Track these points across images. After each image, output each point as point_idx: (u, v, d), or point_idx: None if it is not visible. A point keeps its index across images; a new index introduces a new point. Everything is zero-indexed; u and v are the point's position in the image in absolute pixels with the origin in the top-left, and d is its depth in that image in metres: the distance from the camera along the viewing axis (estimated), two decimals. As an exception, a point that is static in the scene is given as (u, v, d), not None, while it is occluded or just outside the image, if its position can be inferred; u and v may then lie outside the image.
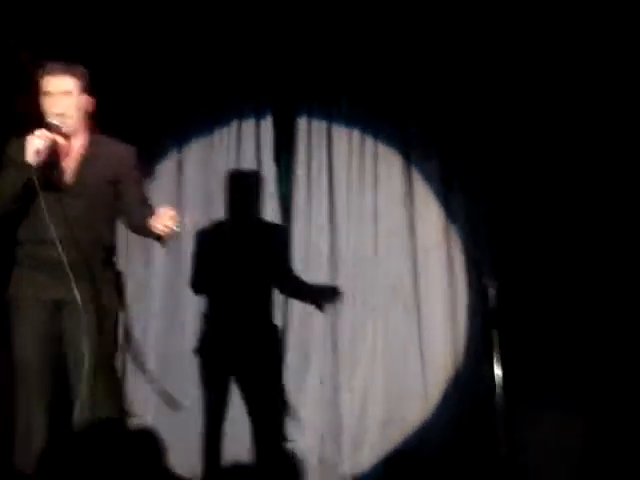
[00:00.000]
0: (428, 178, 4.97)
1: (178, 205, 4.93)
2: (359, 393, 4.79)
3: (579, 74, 4.70)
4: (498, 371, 4.56)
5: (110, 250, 3.46)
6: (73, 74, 3.36)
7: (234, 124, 5.05)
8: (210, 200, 4.98)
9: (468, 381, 4.75)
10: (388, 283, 4.89)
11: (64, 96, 3.33)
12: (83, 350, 3.20)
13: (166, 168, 5.03)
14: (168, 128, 5.02)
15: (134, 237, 3.78)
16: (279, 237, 4.79)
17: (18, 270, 3.38)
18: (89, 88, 3.43)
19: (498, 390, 4.52)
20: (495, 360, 4.56)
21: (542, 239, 4.70)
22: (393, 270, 4.90)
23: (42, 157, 3.18)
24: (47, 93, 3.34)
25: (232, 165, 4.98)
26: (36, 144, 3.16)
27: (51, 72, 3.35)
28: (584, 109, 4.71)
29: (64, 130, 3.31)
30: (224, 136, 5.06)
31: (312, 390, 4.78)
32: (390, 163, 4.99)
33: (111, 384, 3.35)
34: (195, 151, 5.07)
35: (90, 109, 3.46)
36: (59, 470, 3.34)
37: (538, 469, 4.40)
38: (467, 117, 4.94)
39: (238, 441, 4.53)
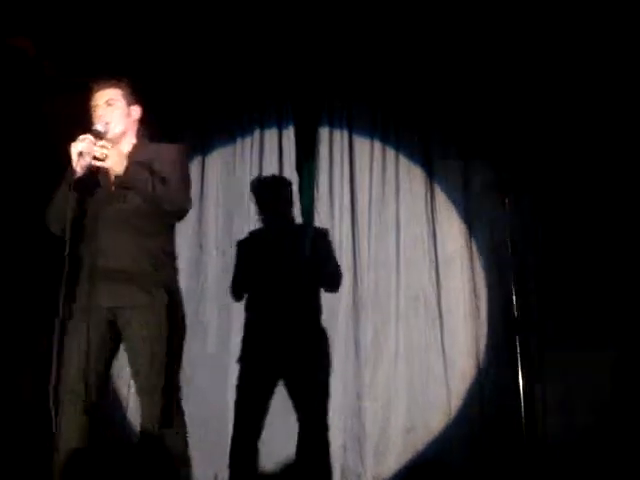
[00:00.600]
0: (449, 188, 4.99)
1: (200, 214, 4.98)
2: (381, 401, 4.79)
3: (606, 85, 4.71)
4: (521, 378, 4.58)
5: (162, 254, 3.43)
6: (117, 85, 3.51)
7: (256, 133, 5.09)
8: (232, 209, 5.02)
9: (491, 388, 4.74)
10: (410, 293, 4.90)
11: (108, 106, 3.46)
12: (143, 356, 3.25)
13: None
14: (191, 136, 5.05)
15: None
16: (311, 242, 4.85)
17: (73, 279, 3.34)
18: (135, 97, 3.56)
19: (521, 397, 4.55)
20: (518, 367, 4.59)
21: (565, 246, 4.71)
22: (415, 280, 4.91)
23: (86, 161, 3.20)
24: (94, 106, 3.47)
25: (255, 172, 5.03)
26: (79, 147, 3.19)
27: (95, 88, 3.50)
28: (602, 111, 4.73)
29: (108, 136, 3.37)
30: (246, 145, 5.09)
31: (334, 397, 4.76)
32: (411, 173, 5.03)
33: (169, 389, 3.32)
34: (217, 160, 5.11)
35: (137, 117, 3.57)
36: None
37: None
38: (488, 127, 4.97)
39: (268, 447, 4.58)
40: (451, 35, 4.87)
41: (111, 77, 3.53)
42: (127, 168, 3.25)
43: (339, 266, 4.86)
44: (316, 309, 4.77)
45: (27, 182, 4.61)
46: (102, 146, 3.25)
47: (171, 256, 3.50)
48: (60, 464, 3.23)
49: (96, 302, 3.27)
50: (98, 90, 3.49)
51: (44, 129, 4.73)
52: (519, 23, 4.74)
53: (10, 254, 4.71)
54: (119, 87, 3.51)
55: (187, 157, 3.68)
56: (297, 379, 4.66)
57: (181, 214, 3.49)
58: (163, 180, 3.35)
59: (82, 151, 3.18)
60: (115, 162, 3.25)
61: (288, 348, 4.66)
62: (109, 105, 3.46)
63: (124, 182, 3.28)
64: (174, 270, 3.51)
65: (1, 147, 4.73)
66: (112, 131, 3.41)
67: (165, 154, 3.49)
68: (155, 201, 3.31)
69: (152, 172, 3.34)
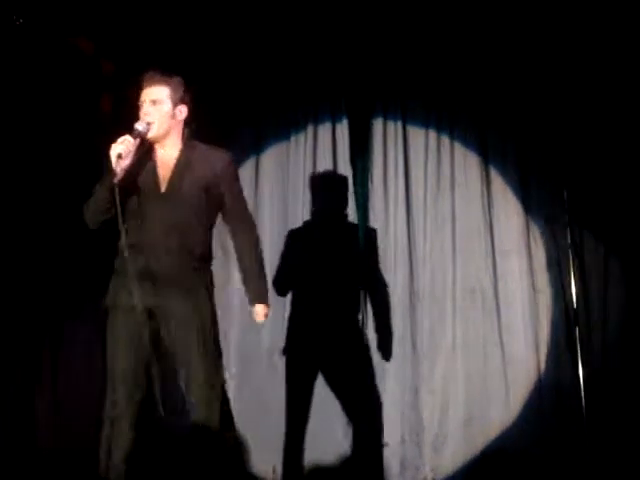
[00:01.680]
0: (506, 178, 4.92)
1: (255, 209, 5.01)
2: (439, 394, 4.78)
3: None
4: (581, 370, 4.53)
5: (203, 257, 3.48)
6: (167, 83, 3.44)
7: (310, 128, 5.09)
8: (286, 203, 5.05)
9: (550, 382, 4.69)
10: (466, 286, 4.86)
11: (153, 105, 3.40)
12: (186, 354, 3.32)
13: (243, 171, 5.04)
14: (245, 133, 5.08)
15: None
16: (365, 237, 4.86)
17: (115, 279, 3.45)
18: (185, 97, 3.49)
19: (582, 391, 4.50)
20: (578, 361, 4.54)
21: (629, 238, 4.62)
22: (471, 273, 4.88)
23: (126, 163, 3.24)
24: (140, 102, 3.43)
25: (309, 168, 5.03)
26: (118, 150, 3.20)
27: (145, 82, 3.44)
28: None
29: (150, 136, 3.37)
30: (300, 140, 5.09)
31: (391, 391, 4.77)
32: (467, 163, 4.97)
33: (215, 385, 3.38)
34: (272, 155, 5.12)
35: (183, 118, 3.50)
36: (142, 473, 3.44)
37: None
38: (545, 114, 4.88)
39: (321, 441, 4.60)
40: (505, 21, 4.81)
41: (161, 73, 3.46)
42: (174, 171, 3.38)
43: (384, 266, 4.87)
44: (367, 302, 4.80)
45: (83, 180, 4.70)
46: (142, 146, 3.31)
47: (209, 258, 3.54)
48: (108, 457, 3.32)
49: (131, 300, 3.30)
50: (145, 87, 3.43)
51: (101, 127, 4.81)
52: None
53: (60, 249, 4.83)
54: (167, 85, 3.43)
55: (235, 166, 3.67)
56: (347, 372, 4.67)
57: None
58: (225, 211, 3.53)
59: (120, 153, 3.19)
60: (163, 165, 3.35)
61: (337, 342, 4.67)
62: (154, 104, 3.40)
63: (175, 195, 3.39)
64: (211, 273, 3.54)
65: (59, 145, 4.85)
66: (153, 132, 3.39)
67: (215, 166, 3.47)
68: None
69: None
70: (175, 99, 3.45)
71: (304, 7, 4.85)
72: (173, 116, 3.46)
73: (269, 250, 4.93)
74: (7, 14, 4.65)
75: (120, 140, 3.24)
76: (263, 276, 3.65)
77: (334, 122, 5.06)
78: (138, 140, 3.30)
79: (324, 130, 5.08)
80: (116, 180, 3.21)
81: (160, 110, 3.41)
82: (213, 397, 3.34)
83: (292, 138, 5.10)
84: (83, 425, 4.56)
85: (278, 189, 5.09)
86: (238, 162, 4.88)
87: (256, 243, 3.65)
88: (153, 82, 3.43)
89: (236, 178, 3.60)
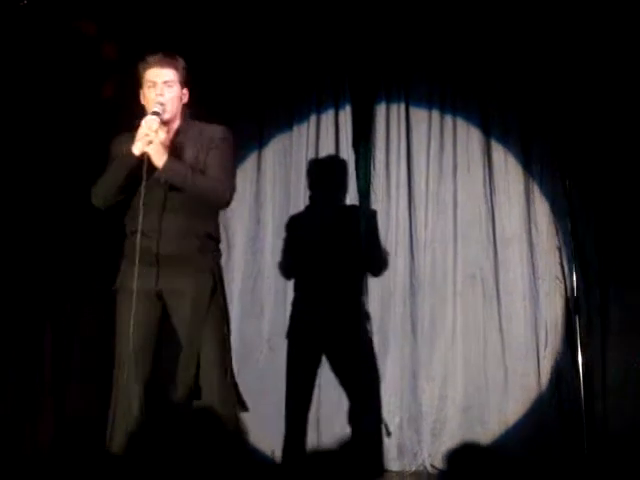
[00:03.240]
0: (509, 165, 4.90)
1: (257, 192, 5.02)
2: (438, 380, 4.78)
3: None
4: (580, 358, 4.54)
5: (209, 237, 3.47)
6: (174, 66, 3.43)
7: (313, 113, 5.07)
8: (289, 188, 5.05)
9: (549, 369, 4.69)
10: (467, 272, 4.86)
11: (166, 86, 3.40)
12: (192, 339, 3.33)
13: (246, 161, 5.07)
14: (247, 122, 5.05)
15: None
16: (366, 221, 4.87)
17: (124, 262, 3.47)
18: (187, 80, 3.49)
19: (580, 379, 4.51)
20: (578, 349, 4.55)
21: (629, 227, 4.61)
22: (472, 259, 4.86)
23: (146, 141, 3.25)
24: (150, 83, 3.40)
25: (311, 153, 5.03)
26: (153, 125, 3.25)
27: (154, 63, 3.41)
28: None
29: (163, 119, 3.36)
30: (303, 124, 5.07)
31: (391, 376, 4.79)
32: (470, 149, 4.94)
33: (222, 368, 3.39)
34: (274, 140, 5.10)
35: (186, 101, 3.50)
36: (149, 451, 3.46)
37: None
38: (550, 101, 4.85)
39: (320, 426, 4.66)
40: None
41: (168, 55, 3.43)
42: (164, 164, 3.27)
43: (386, 250, 4.87)
44: (368, 288, 4.83)
45: (86, 165, 4.71)
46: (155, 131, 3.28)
47: (216, 240, 3.53)
48: (117, 437, 3.35)
49: (144, 284, 3.33)
50: (154, 67, 3.40)
51: (103, 111, 4.81)
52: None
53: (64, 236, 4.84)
54: (175, 67, 3.42)
55: (232, 139, 3.55)
56: (347, 357, 4.69)
57: (222, 204, 3.50)
58: (202, 172, 3.38)
59: (148, 132, 3.23)
60: (156, 152, 3.27)
61: (337, 327, 4.69)
62: (167, 85, 3.39)
63: (162, 178, 3.31)
64: (219, 254, 3.55)
65: (61, 129, 4.85)
66: (166, 114, 3.38)
67: (208, 137, 3.45)
68: (196, 194, 3.34)
69: (191, 165, 3.36)
70: (181, 82, 3.46)
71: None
72: (180, 99, 3.46)
73: (272, 236, 4.99)
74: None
75: (149, 119, 3.26)
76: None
77: (337, 106, 5.04)
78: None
79: (327, 115, 5.06)
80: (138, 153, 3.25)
81: (172, 92, 3.41)
82: (223, 378, 3.36)
83: (295, 126, 5.08)
84: (86, 411, 4.61)
85: (280, 170, 5.08)
86: (241, 153, 4.95)
87: (208, 185, 3.40)
88: (163, 63, 3.41)
89: (228, 145, 3.50)
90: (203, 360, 3.34)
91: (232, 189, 3.47)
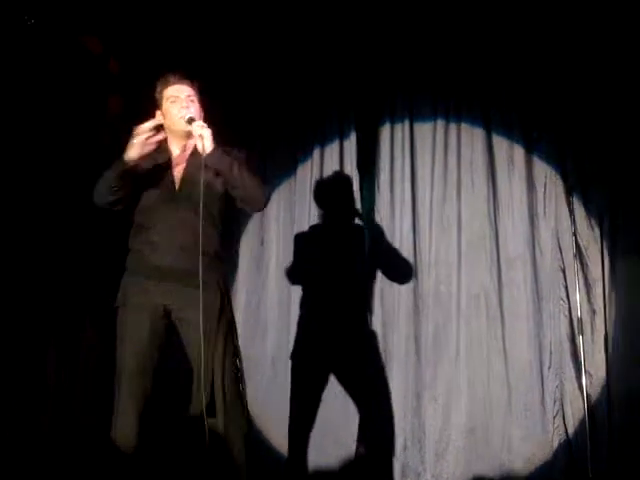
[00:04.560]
0: (513, 185, 4.91)
1: (261, 215, 5.04)
2: (442, 401, 4.77)
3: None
4: (584, 379, 4.52)
5: (216, 255, 3.47)
6: (193, 85, 3.51)
7: (318, 133, 5.13)
8: (293, 206, 5.09)
9: (554, 389, 4.68)
10: (471, 292, 4.85)
11: (189, 100, 3.46)
12: (200, 353, 3.29)
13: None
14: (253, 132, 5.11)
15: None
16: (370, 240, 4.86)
17: (127, 277, 3.46)
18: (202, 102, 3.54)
19: (584, 399, 4.49)
20: (582, 368, 4.53)
21: (629, 246, 4.62)
22: (476, 279, 4.87)
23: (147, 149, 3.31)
24: (173, 98, 3.46)
25: (316, 172, 5.05)
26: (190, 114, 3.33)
27: (175, 80, 3.48)
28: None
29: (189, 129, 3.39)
30: (308, 153, 5.14)
31: (394, 397, 4.77)
32: (474, 169, 4.96)
33: (233, 383, 3.39)
34: (280, 166, 5.18)
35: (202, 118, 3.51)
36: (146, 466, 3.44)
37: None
38: (555, 119, 4.86)
39: (324, 445, 4.64)
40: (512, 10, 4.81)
41: (186, 75, 3.51)
42: (212, 152, 3.29)
43: (405, 259, 4.87)
44: (372, 307, 4.83)
45: (88, 177, 4.72)
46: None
47: (222, 257, 3.54)
48: (118, 450, 3.33)
49: (150, 299, 3.34)
50: (175, 84, 3.48)
51: (107, 125, 4.83)
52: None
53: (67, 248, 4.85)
54: (193, 86, 3.50)
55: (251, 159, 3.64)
56: (352, 376, 4.67)
57: (259, 204, 3.50)
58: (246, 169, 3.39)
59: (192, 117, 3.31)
60: (208, 136, 3.31)
61: (341, 346, 4.68)
62: (190, 99, 3.45)
63: (210, 160, 3.30)
64: (224, 271, 3.56)
65: (68, 144, 4.87)
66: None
67: (233, 154, 3.46)
68: (240, 186, 3.35)
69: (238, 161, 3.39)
70: (198, 100, 3.51)
71: (306, 19, 4.87)
72: (200, 115, 3.48)
73: (276, 257, 5.01)
74: (19, 14, 4.67)
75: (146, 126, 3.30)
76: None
77: (342, 126, 5.09)
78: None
79: (332, 133, 5.11)
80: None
81: (195, 106, 3.46)
82: (234, 397, 3.35)
83: (300, 150, 5.15)
84: (88, 425, 4.60)
85: (285, 195, 5.14)
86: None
87: (253, 180, 3.42)
88: (183, 81, 3.49)
89: (251, 161, 3.56)
90: (216, 377, 3.32)
91: (269, 193, 3.56)
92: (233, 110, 5.05)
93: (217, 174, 3.37)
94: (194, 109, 3.44)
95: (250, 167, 3.46)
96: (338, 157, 5.07)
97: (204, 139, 3.29)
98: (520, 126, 4.92)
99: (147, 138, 3.29)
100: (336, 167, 5.06)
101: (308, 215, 4.99)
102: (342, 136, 5.09)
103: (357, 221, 4.95)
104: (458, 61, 4.98)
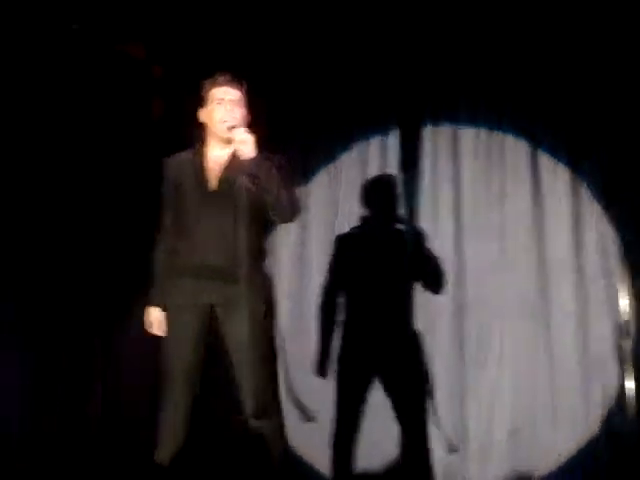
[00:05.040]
0: (558, 187, 4.85)
1: (303, 215, 5.02)
2: (485, 404, 4.75)
3: None
4: (630, 383, 4.47)
5: (258, 253, 3.49)
6: (240, 87, 3.49)
7: (361, 138, 5.11)
8: (335, 211, 5.10)
9: (599, 393, 4.63)
10: (516, 295, 4.81)
11: (234, 104, 3.45)
12: (244, 353, 3.33)
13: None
14: (295, 133, 5.13)
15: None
16: (413, 241, 4.83)
17: (174, 277, 3.48)
18: (248, 102, 3.53)
19: (631, 402, 4.44)
20: (628, 372, 4.48)
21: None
22: (520, 282, 4.82)
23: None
24: (218, 100, 3.46)
25: (359, 174, 5.04)
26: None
27: (223, 82, 3.47)
28: None
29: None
30: (351, 151, 5.13)
31: (437, 399, 4.76)
32: (518, 171, 4.91)
33: (271, 383, 3.41)
34: (322, 167, 5.17)
35: (247, 123, 3.50)
36: (195, 464, 3.46)
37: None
38: (599, 120, 4.79)
39: (370, 448, 4.62)
40: (555, 18, 4.76)
41: (234, 76, 3.50)
42: (254, 158, 3.29)
43: (442, 267, 4.82)
44: (416, 311, 4.79)
45: (135, 182, 4.78)
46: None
47: (265, 256, 3.56)
48: (163, 451, 3.38)
49: (192, 299, 3.37)
50: (221, 86, 3.47)
51: (152, 130, 4.88)
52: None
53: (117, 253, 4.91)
54: (240, 88, 3.49)
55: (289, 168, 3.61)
56: (395, 379, 4.65)
57: (290, 215, 3.47)
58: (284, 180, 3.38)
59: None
60: (251, 142, 3.32)
61: (385, 348, 4.66)
62: (234, 103, 3.45)
63: (250, 165, 3.30)
64: (267, 269, 3.57)
65: (111, 148, 4.93)
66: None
67: (273, 160, 3.46)
68: (275, 195, 3.33)
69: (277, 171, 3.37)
70: (245, 103, 3.51)
71: (350, 19, 4.86)
72: (244, 119, 3.48)
73: (316, 257, 5.03)
74: (63, 20, 4.73)
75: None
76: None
77: (385, 128, 5.07)
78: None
79: (374, 140, 5.09)
80: None
81: (240, 111, 3.47)
82: (275, 397, 3.38)
83: (343, 151, 5.14)
84: (135, 423, 4.65)
85: (326, 197, 5.14)
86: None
87: (292, 193, 3.43)
88: (232, 83, 3.48)
89: (287, 170, 3.53)
90: (256, 376, 3.33)
91: (301, 207, 3.53)
92: (275, 102, 5.03)
93: (255, 180, 3.35)
94: (239, 114, 3.44)
95: (288, 177, 3.46)
96: (379, 154, 5.06)
97: (246, 144, 3.29)
98: (566, 146, 4.87)
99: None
100: (378, 165, 5.04)
101: (349, 215, 4.98)
102: (384, 132, 5.07)
103: (399, 222, 4.93)
104: (506, 73, 4.94)
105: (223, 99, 3.45)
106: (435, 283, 4.78)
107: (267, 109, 4.87)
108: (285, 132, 5.04)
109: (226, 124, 3.38)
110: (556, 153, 4.87)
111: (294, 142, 5.10)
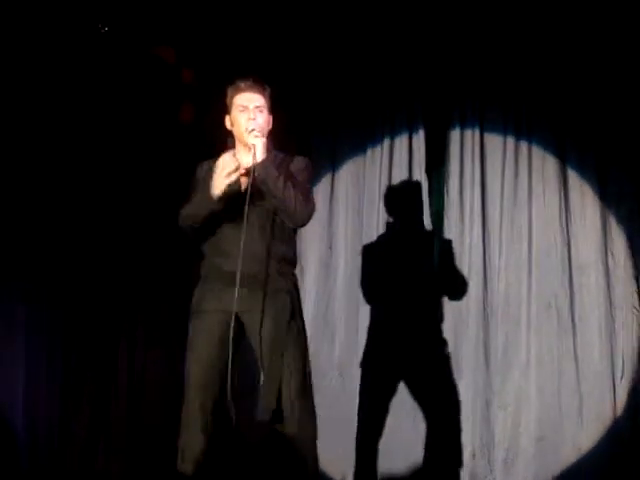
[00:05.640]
0: (586, 191, 4.81)
1: (330, 215, 5.05)
2: (511, 409, 4.73)
3: None
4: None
5: (289, 261, 3.50)
6: (264, 92, 3.47)
7: (387, 137, 5.07)
8: (362, 214, 5.06)
9: (626, 400, 4.60)
10: (542, 300, 4.79)
11: (257, 111, 3.43)
12: (272, 361, 3.34)
13: (319, 185, 5.09)
14: (322, 145, 5.11)
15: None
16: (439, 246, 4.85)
17: (201, 284, 3.50)
18: (272, 107, 3.52)
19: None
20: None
21: None
22: (547, 287, 4.79)
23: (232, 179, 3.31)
24: (242, 107, 3.43)
25: (385, 178, 5.02)
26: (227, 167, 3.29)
27: (246, 88, 3.45)
28: None
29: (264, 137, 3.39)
30: (377, 149, 5.08)
31: (463, 404, 4.74)
32: (545, 175, 4.87)
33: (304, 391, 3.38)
34: (348, 168, 5.12)
35: (270, 127, 3.51)
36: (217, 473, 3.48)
37: None
38: (629, 122, 4.75)
39: (395, 453, 4.62)
40: (582, 25, 4.74)
41: (258, 81, 3.47)
42: (262, 162, 3.28)
43: (464, 276, 4.83)
44: (442, 314, 4.81)
45: (163, 186, 4.83)
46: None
47: (293, 262, 3.56)
48: (186, 459, 3.37)
49: (222, 305, 3.37)
50: (246, 92, 3.44)
51: (181, 135, 4.91)
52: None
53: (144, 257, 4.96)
54: (264, 93, 3.46)
55: (312, 170, 3.62)
56: (421, 384, 4.66)
57: (299, 221, 3.46)
58: (293, 184, 3.37)
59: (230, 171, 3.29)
60: (262, 146, 3.31)
61: (411, 353, 4.67)
62: (258, 110, 3.42)
63: (258, 169, 3.29)
64: (295, 278, 3.57)
65: (139, 151, 4.97)
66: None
67: (288, 166, 3.47)
68: (281, 200, 3.32)
69: (285, 175, 3.36)
70: (269, 108, 3.49)
71: (381, 17, 4.86)
72: (268, 124, 3.49)
73: (344, 262, 5.01)
74: (93, 22, 4.78)
75: (227, 158, 3.31)
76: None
77: (411, 131, 5.03)
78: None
79: (400, 141, 5.05)
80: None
81: (263, 117, 3.45)
82: (304, 403, 3.35)
83: (368, 150, 5.08)
84: (158, 427, 4.69)
85: (353, 194, 5.10)
86: (314, 175, 4.98)
87: (297, 197, 3.38)
88: (254, 89, 3.45)
89: (308, 174, 3.56)
90: (284, 383, 3.33)
91: (312, 210, 3.48)
92: (303, 96, 5.07)
93: (261, 183, 3.34)
94: (262, 120, 3.43)
95: (304, 180, 3.49)
96: (407, 153, 5.02)
97: (255, 148, 3.29)
98: (593, 155, 4.83)
99: (229, 173, 3.30)
100: (405, 164, 5.01)
101: (377, 219, 4.98)
102: (411, 131, 5.03)
103: (426, 226, 4.93)
104: (530, 76, 4.91)
105: (247, 106, 3.43)
106: (460, 290, 4.78)
107: (298, 95, 4.96)
108: (315, 119, 5.09)
109: (247, 129, 3.37)
110: (583, 164, 4.84)
111: (324, 129, 5.12)
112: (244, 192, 3.37)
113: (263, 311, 3.37)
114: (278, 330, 3.36)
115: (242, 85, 3.46)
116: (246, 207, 3.27)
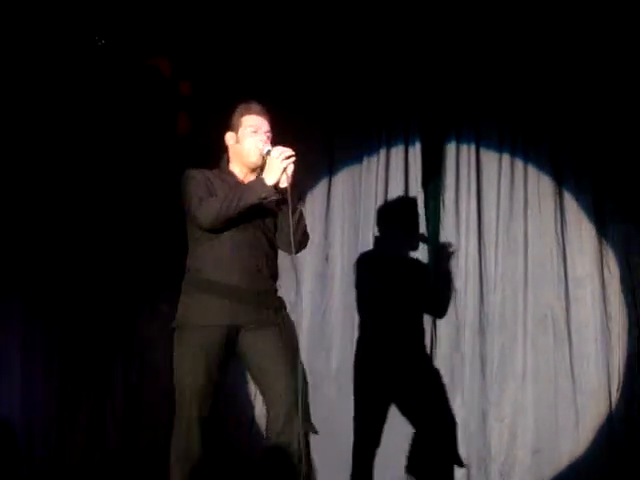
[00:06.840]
0: (581, 203, 4.83)
1: (326, 228, 5.05)
2: (507, 421, 4.73)
3: None
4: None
5: (276, 277, 3.54)
6: (268, 118, 3.50)
7: (383, 150, 5.06)
8: (358, 226, 5.05)
9: (622, 411, 4.61)
10: (538, 312, 4.80)
11: (267, 137, 3.46)
12: (270, 373, 3.36)
13: (315, 193, 5.11)
14: (317, 154, 5.09)
15: (283, 263, 3.74)
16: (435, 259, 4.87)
17: (188, 297, 3.46)
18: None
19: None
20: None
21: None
22: (543, 298, 4.80)
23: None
24: (253, 128, 3.45)
25: (381, 191, 5.02)
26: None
27: (258, 111, 3.49)
28: None
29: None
30: (372, 161, 5.06)
31: (459, 416, 4.74)
32: (541, 187, 4.89)
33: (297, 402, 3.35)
34: (344, 179, 5.12)
35: None
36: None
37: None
38: (624, 138, 4.77)
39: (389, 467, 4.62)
40: (579, 43, 4.77)
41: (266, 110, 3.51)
42: (292, 185, 3.30)
43: (459, 288, 4.84)
44: (438, 326, 4.83)
45: (160, 199, 4.84)
46: None
47: (277, 278, 3.58)
48: (178, 471, 3.36)
49: (213, 318, 3.36)
50: (260, 115, 3.48)
51: (178, 146, 4.93)
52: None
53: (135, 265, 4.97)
54: (268, 119, 3.50)
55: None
56: (416, 396, 4.66)
57: (294, 253, 3.44)
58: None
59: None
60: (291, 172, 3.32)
61: (406, 365, 4.67)
62: (267, 134, 3.46)
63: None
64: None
65: (136, 163, 4.99)
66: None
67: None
68: (295, 227, 3.35)
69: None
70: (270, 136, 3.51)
71: (378, 32, 4.88)
72: None
73: (340, 272, 5.01)
74: (90, 35, 4.80)
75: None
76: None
77: (407, 144, 5.02)
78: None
79: (396, 153, 5.04)
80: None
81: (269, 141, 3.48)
82: (297, 419, 3.32)
83: (364, 162, 5.07)
84: (153, 432, 4.69)
85: (349, 207, 5.10)
86: (309, 184, 5.01)
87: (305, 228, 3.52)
88: (264, 115, 3.50)
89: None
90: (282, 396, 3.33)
91: (307, 244, 3.59)
92: (303, 100, 5.08)
93: (278, 206, 3.39)
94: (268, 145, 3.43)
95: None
96: (403, 165, 5.02)
97: (287, 172, 3.29)
98: (588, 172, 4.85)
99: (287, 158, 3.31)
100: (401, 176, 5.00)
101: (373, 230, 4.97)
102: (407, 144, 5.03)
103: (422, 239, 4.93)
104: (526, 93, 4.92)
105: (260, 128, 3.45)
106: (455, 301, 4.81)
107: (294, 106, 4.95)
108: (312, 128, 5.08)
109: (263, 151, 3.37)
110: (579, 178, 4.86)
111: (320, 138, 5.11)
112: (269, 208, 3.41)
113: (256, 326, 3.38)
114: (291, 344, 3.40)
115: (253, 107, 3.50)
116: (291, 223, 3.30)
